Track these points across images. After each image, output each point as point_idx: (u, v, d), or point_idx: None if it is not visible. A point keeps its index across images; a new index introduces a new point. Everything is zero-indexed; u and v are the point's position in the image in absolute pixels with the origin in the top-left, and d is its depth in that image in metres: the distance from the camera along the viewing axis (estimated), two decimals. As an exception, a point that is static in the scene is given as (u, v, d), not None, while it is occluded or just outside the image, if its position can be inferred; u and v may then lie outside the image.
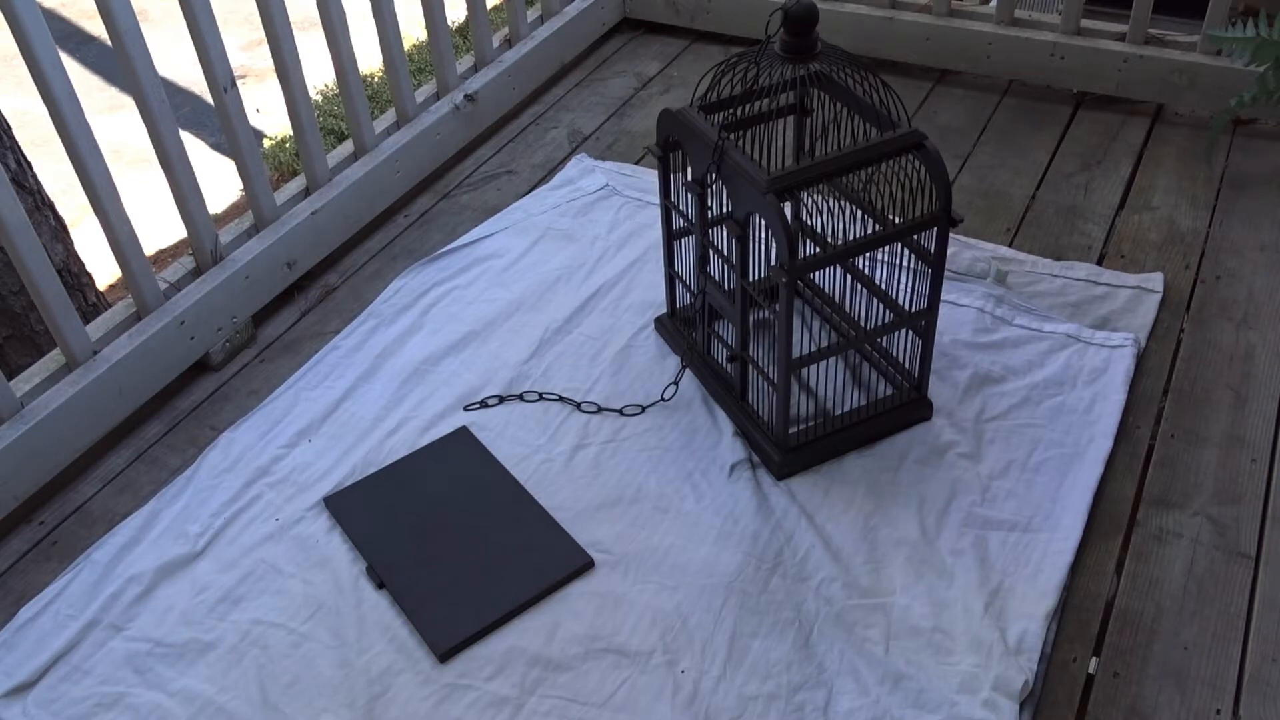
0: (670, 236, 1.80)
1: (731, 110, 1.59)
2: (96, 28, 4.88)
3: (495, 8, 3.98)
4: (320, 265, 2.17)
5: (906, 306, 1.64)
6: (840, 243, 1.51)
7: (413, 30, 4.24)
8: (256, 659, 1.45)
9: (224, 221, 3.48)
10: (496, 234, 2.18)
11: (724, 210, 1.61)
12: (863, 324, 1.73)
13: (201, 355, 1.93)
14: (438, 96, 2.42)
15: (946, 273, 1.95)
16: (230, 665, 1.45)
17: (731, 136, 1.54)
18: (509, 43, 2.63)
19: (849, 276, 1.74)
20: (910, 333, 1.67)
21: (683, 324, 1.88)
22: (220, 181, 3.77)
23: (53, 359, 1.76)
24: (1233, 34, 2.11)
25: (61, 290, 1.70)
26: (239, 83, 2.22)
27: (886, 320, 1.65)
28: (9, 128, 2.31)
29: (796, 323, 1.86)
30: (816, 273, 1.88)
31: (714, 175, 1.57)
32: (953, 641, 1.42)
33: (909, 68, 2.63)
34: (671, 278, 1.85)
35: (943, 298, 1.89)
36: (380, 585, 1.53)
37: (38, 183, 2.40)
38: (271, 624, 1.49)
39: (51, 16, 4.99)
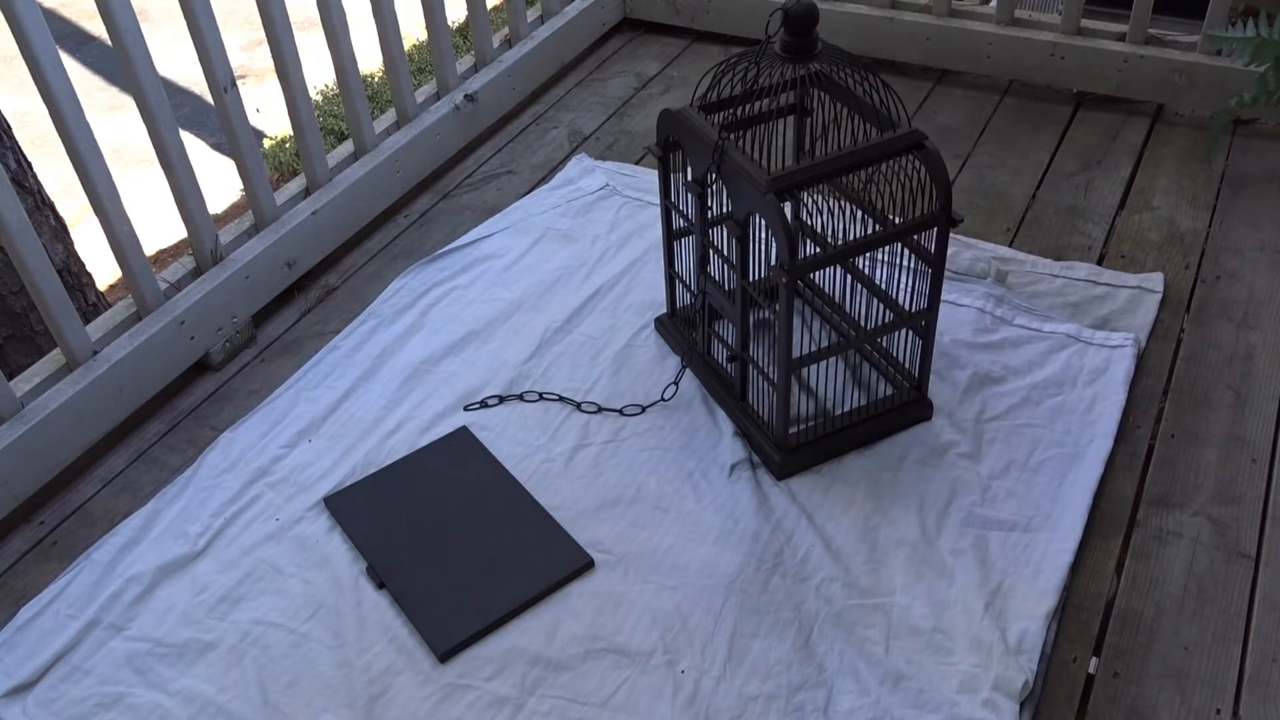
0: (670, 236, 1.80)
1: (731, 110, 1.59)
2: (96, 28, 4.88)
3: (495, 8, 3.98)
4: (320, 265, 2.17)
5: (906, 306, 1.64)
6: (840, 243, 1.51)
7: (413, 30, 4.24)
8: (256, 659, 1.45)
9: (224, 221, 3.48)
10: (496, 234, 2.18)
11: (724, 210, 1.61)
12: (863, 324, 1.73)
13: (201, 355, 1.93)
14: (438, 96, 2.42)
15: (946, 273, 1.95)
16: (230, 665, 1.45)
17: (731, 136, 1.54)
18: (509, 43, 2.63)
19: (849, 276, 1.74)
20: (910, 333, 1.67)
21: (683, 324, 1.88)
22: (220, 181, 3.77)
23: (53, 359, 1.76)
24: (1233, 34, 2.11)
25: (61, 290, 1.70)
26: (239, 83, 2.22)
27: (886, 320, 1.65)
28: (9, 128, 2.31)
29: (796, 323, 1.86)
30: (816, 273, 1.88)
31: (714, 175, 1.57)
32: (953, 641, 1.42)
33: (909, 68, 2.63)
34: (671, 278, 1.85)
35: (943, 298, 1.89)
36: (380, 585, 1.53)
37: (38, 183, 2.40)
38: (271, 624, 1.49)
39: (51, 16, 4.99)
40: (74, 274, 2.45)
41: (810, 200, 1.55)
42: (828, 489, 1.63)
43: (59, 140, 1.68)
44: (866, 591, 1.48)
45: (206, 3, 1.82)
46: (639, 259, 2.09)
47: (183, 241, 3.47)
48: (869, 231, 1.56)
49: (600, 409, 1.78)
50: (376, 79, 4.06)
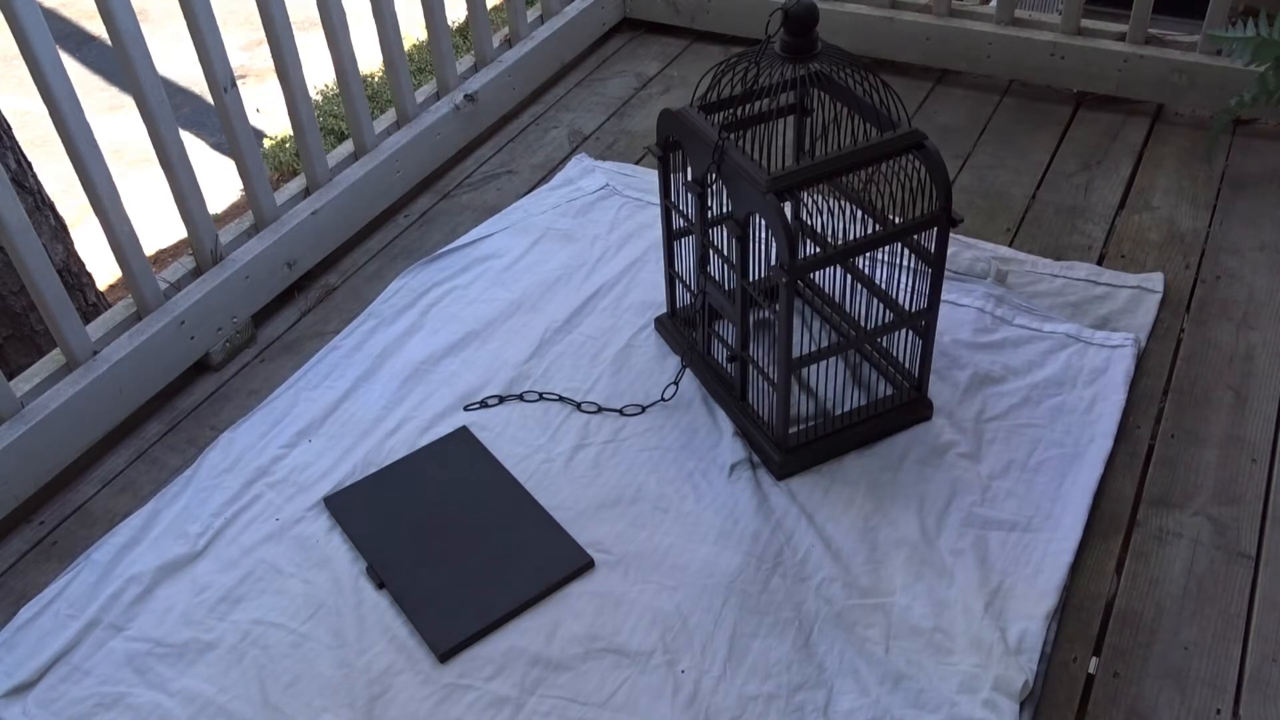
0: (670, 236, 1.80)
1: (731, 110, 1.59)
2: (96, 28, 4.88)
3: (495, 8, 3.98)
4: (320, 265, 2.17)
5: (906, 306, 1.64)
6: (840, 243, 1.51)
7: (413, 30, 4.24)
8: (256, 659, 1.45)
9: (224, 221, 3.48)
10: (496, 234, 2.18)
11: (724, 210, 1.61)
12: (863, 324, 1.73)
13: (201, 355, 1.93)
14: (438, 96, 2.42)
15: (946, 273, 1.95)
16: (230, 665, 1.45)
17: (731, 136, 1.54)
18: (509, 43, 2.63)
19: (849, 276, 1.74)
20: (910, 333, 1.67)
21: (683, 324, 1.88)
22: (220, 181, 3.77)
23: (53, 359, 1.76)
24: (1233, 34, 2.11)
25: (61, 290, 1.70)
26: (239, 83, 2.22)
27: (886, 320, 1.65)
28: (9, 128, 2.31)
29: (796, 323, 1.86)
30: (816, 273, 1.88)
31: (714, 175, 1.57)
32: (953, 641, 1.42)
33: (909, 68, 2.63)
34: (671, 278, 1.85)
35: (943, 298, 1.89)
36: (380, 585, 1.53)
37: (38, 183, 2.40)
38: (271, 624, 1.49)
39: (51, 16, 4.99)
40: (74, 274, 2.45)
41: (810, 200, 1.55)
42: (828, 489, 1.63)
43: (59, 140, 1.68)
44: (866, 591, 1.48)
45: (206, 3, 1.82)
46: (639, 259, 2.09)
47: (183, 241, 3.47)
48: (869, 231, 1.56)
49: (600, 409, 1.78)
50: (376, 79, 4.06)
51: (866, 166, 1.51)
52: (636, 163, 2.40)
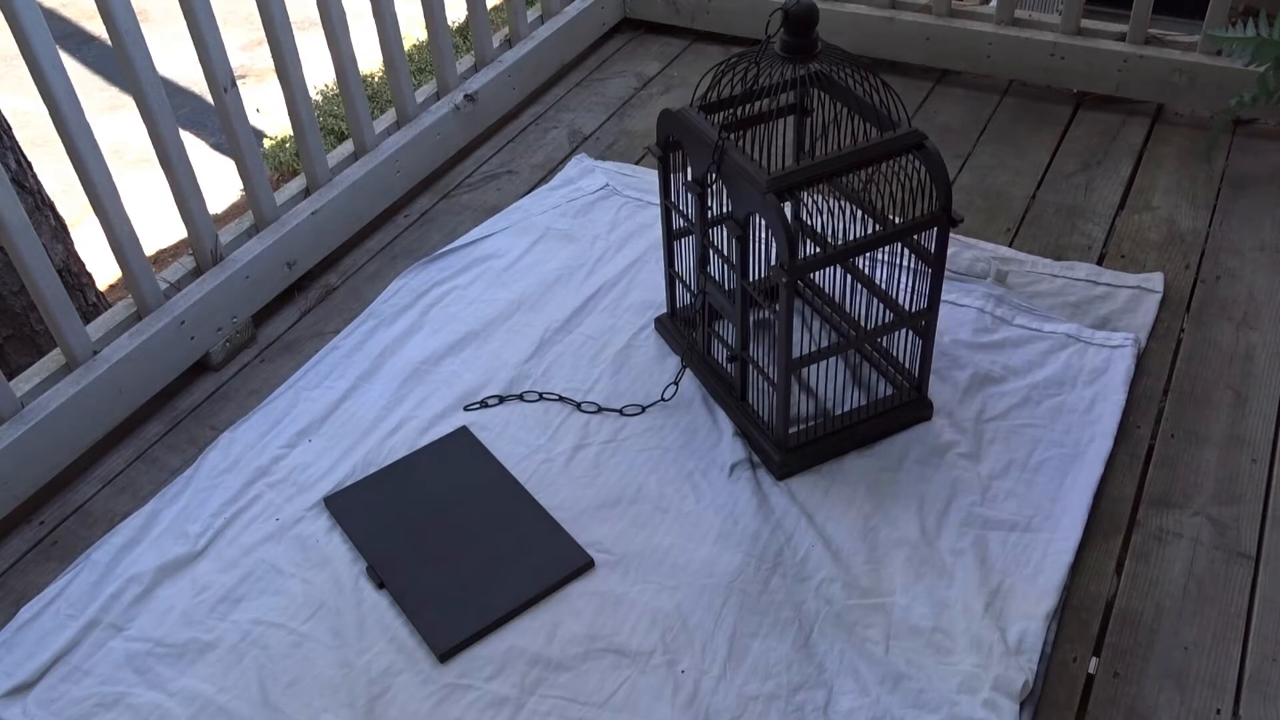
0: (670, 236, 1.80)
1: (731, 110, 1.59)
2: (96, 28, 4.88)
3: (495, 8, 3.98)
4: (320, 265, 2.17)
5: (906, 306, 1.64)
6: (840, 243, 1.51)
7: (413, 30, 4.24)
8: (256, 659, 1.45)
9: (224, 221, 3.48)
10: (496, 234, 2.18)
11: (724, 210, 1.61)
12: (863, 324, 1.73)
13: (201, 355, 1.93)
14: (438, 96, 2.42)
15: (946, 273, 1.95)
16: (230, 665, 1.45)
17: (731, 136, 1.54)
18: (509, 43, 2.63)
19: (849, 276, 1.74)
20: (910, 333, 1.67)
21: (683, 324, 1.88)
22: (220, 181, 3.77)
23: (53, 359, 1.76)
24: (1233, 34, 2.11)
25: (61, 290, 1.70)
26: (239, 83, 2.22)
27: (886, 320, 1.65)
28: (9, 128, 2.31)
29: (796, 323, 1.86)
30: (816, 273, 1.88)
31: (714, 175, 1.57)
32: (953, 641, 1.42)
33: (909, 68, 2.63)
34: (671, 278, 1.85)
35: (943, 298, 1.89)
36: (380, 585, 1.53)
37: (38, 183, 2.40)
38: (271, 624, 1.49)
39: (51, 16, 4.99)
40: (74, 274, 2.45)
41: (810, 200, 1.55)
42: (828, 489, 1.63)
43: (59, 140, 1.68)
44: (866, 591, 1.48)
45: (206, 3, 1.82)
46: (639, 259, 2.09)
47: (183, 241, 3.47)
48: (869, 231, 1.56)
49: (600, 409, 1.78)
50: (376, 79, 4.06)
51: (866, 166, 1.51)
52: (636, 163, 2.40)
